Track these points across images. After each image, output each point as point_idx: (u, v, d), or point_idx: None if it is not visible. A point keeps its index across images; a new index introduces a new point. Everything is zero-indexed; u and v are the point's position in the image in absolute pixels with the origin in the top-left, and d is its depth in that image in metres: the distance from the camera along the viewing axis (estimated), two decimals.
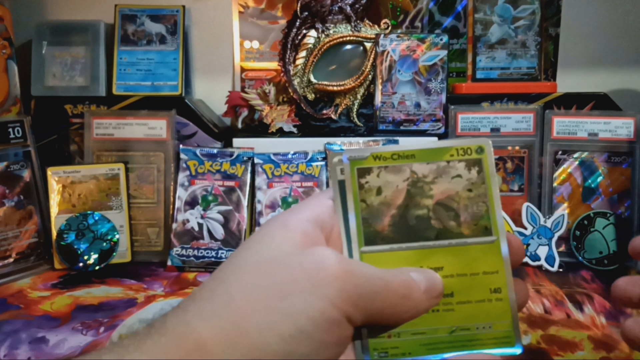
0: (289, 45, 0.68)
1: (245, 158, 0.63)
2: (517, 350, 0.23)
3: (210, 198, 0.62)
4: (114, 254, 0.61)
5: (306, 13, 0.67)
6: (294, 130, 0.68)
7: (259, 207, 0.62)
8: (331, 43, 0.68)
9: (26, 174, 0.62)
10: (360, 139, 0.65)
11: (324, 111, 0.69)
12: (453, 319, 0.22)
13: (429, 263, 0.23)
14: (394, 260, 0.23)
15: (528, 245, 0.60)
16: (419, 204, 0.23)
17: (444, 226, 0.23)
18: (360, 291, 0.19)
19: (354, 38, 0.68)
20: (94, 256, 0.60)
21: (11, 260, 0.59)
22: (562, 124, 0.63)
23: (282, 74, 0.68)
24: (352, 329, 0.20)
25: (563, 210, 0.62)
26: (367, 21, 0.69)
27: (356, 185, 0.23)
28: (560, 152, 0.63)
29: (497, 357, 0.22)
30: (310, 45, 0.68)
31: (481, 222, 0.23)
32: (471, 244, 0.23)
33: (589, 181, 0.63)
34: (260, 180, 0.63)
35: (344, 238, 0.23)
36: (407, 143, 0.23)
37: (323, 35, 0.68)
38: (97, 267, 0.60)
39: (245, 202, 0.62)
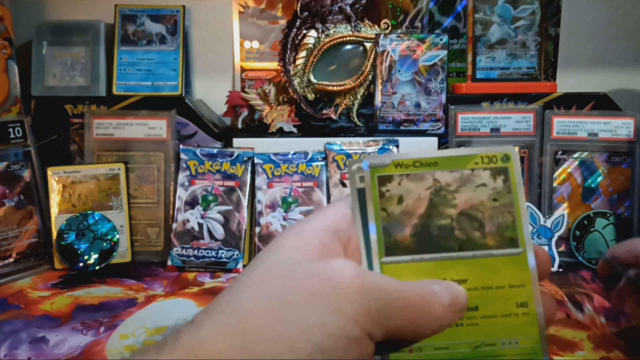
0: (289, 45, 0.68)
1: (245, 158, 0.63)
2: None
3: (210, 198, 0.62)
4: (114, 254, 0.61)
5: (306, 13, 0.67)
6: (294, 130, 0.68)
7: (259, 207, 0.62)
8: (331, 43, 0.68)
9: (26, 174, 0.62)
10: (360, 139, 0.65)
11: (324, 111, 0.69)
12: (477, 334, 0.22)
13: (452, 275, 0.22)
14: (415, 272, 0.22)
15: None
16: (442, 213, 0.22)
17: (468, 237, 0.22)
18: (380, 306, 0.19)
19: (354, 38, 0.68)
20: (94, 256, 0.60)
21: (11, 260, 0.59)
22: (562, 124, 0.63)
23: (282, 74, 0.68)
24: (373, 346, 0.19)
25: (563, 210, 0.62)
26: (367, 21, 0.69)
27: (376, 194, 0.22)
28: (560, 152, 0.63)
29: None
30: (310, 46, 0.68)
31: (507, 233, 0.22)
32: (496, 256, 0.22)
33: (589, 181, 0.63)
34: (260, 180, 0.63)
35: (363, 248, 0.22)
36: (417, 148, 0.23)
37: (323, 36, 0.68)
38: (97, 267, 0.60)
39: (245, 202, 0.62)
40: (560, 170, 0.63)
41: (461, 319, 0.21)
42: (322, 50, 0.68)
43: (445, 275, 0.22)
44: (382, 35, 0.66)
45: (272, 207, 0.62)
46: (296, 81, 0.69)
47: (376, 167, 0.22)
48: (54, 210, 0.61)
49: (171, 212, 0.63)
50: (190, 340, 0.18)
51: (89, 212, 0.61)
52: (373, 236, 0.22)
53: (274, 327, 0.17)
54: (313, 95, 0.69)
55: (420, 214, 0.22)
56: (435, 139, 0.66)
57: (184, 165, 0.63)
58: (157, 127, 0.65)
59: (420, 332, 0.20)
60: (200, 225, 0.61)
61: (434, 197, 0.22)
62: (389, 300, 0.19)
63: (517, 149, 0.23)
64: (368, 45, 0.68)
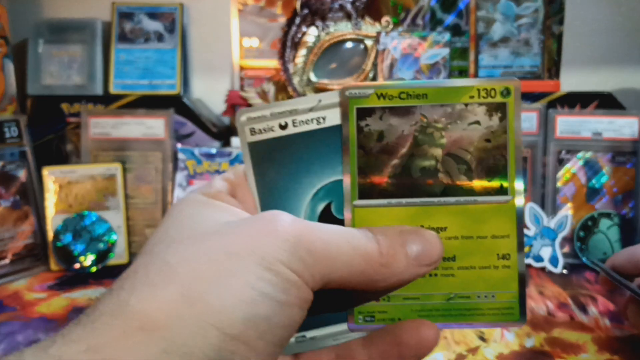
0: (288, 44, 0.67)
1: None
2: (520, 325, 0.20)
3: None
4: (111, 255, 0.60)
5: (306, 10, 0.67)
6: None
7: None
8: (331, 41, 0.67)
9: (22, 174, 0.61)
10: None
11: None
12: (452, 285, 0.20)
13: (430, 222, 0.20)
14: (391, 218, 0.20)
15: (531, 246, 0.59)
16: (426, 153, 0.20)
17: (453, 181, 0.20)
18: (316, 255, 0.17)
19: (355, 36, 0.67)
20: (91, 257, 0.59)
21: (7, 261, 0.58)
22: (566, 123, 0.62)
23: (281, 73, 0.68)
24: (310, 292, 0.18)
25: (567, 210, 0.62)
26: (367, 19, 0.68)
27: (354, 128, 0.20)
28: (563, 152, 0.63)
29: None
30: (310, 43, 0.67)
31: (496, 178, 0.20)
32: (482, 203, 0.20)
33: (593, 181, 0.62)
34: None
35: (258, 203, 0.21)
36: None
37: (323, 33, 0.67)
38: (94, 269, 0.59)
39: None
40: (563, 170, 0.63)
41: (432, 270, 0.20)
42: (322, 48, 0.67)
43: (423, 221, 0.20)
44: (383, 33, 0.65)
45: None
46: (296, 80, 0.68)
47: (356, 98, 0.20)
48: (50, 210, 0.61)
49: None
50: (112, 305, 0.16)
51: (86, 212, 0.61)
52: (346, 176, 0.20)
53: (210, 281, 0.16)
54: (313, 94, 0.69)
55: (402, 154, 0.20)
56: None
57: (182, 165, 0.62)
58: (154, 126, 0.64)
59: (376, 285, 0.19)
60: None
61: (419, 135, 0.20)
62: (329, 249, 0.18)
63: (520, 83, 0.20)
64: (369, 43, 0.67)
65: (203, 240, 0.18)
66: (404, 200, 0.20)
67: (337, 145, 0.20)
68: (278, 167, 0.21)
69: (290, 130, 0.21)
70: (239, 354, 0.16)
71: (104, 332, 0.15)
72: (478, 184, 0.20)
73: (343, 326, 0.21)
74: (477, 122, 0.20)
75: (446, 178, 0.20)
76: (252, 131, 0.20)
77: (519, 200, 0.20)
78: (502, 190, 0.20)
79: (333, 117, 0.20)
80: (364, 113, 0.20)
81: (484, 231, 0.20)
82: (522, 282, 0.20)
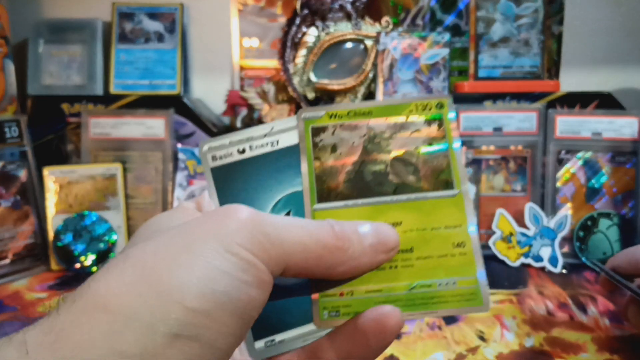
0: (288, 44, 0.67)
1: None
2: (484, 310, 0.21)
3: None
4: (112, 255, 0.60)
5: (306, 11, 0.67)
6: None
7: None
8: (331, 41, 0.67)
9: (22, 174, 0.61)
10: None
11: None
12: (412, 275, 0.21)
13: (386, 218, 0.22)
14: (349, 217, 0.22)
15: (531, 246, 0.59)
16: (375, 159, 0.22)
17: (403, 181, 0.22)
18: (272, 239, 0.18)
19: (355, 36, 0.67)
20: (92, 257, 0.59)
21: (7, 261, 0.58)
22: (566, 123, 0.62)
23: (281, 73, 0.68)
24: (271, 277, 0.19)
25: (566, 210, 0.62)
26: (367, 19, 0.68)
27: (310, 145, 0.23)
28: (563, 152, 0.63)
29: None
30: (310, 44, 0.67)
31: (442, 175, 0.22)
32: (432, 198, 0.22)
33: (593, 181, 0.62)
34: None
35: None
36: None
37: (323, 33, 0.67)
38: (94, 269, 0.59)
39: None
40: (563, 170, 0.63)
41: (392, 260, 0.21)
42: (322, 48, 0.67)
43: (379, 218, 0.22)
44: (383, 33, 0.65)
45: None
46: (296, 80, 0.68)
47: (310, 119, 0.23)
48: (51, 210, 0.61)
49: None
50: (78, 294, 0.17)
51: (86, 212, 0.61)
52: (306, 184, 0.22)
53: (171, 262, 0.17)
54: (313, 94, 0.69)
55: (354, 161, 0.22)
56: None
57: (182, 165, 0.62)
58: (155, 126, 0.64)
59: (335, 271, 0.20)
60: None
61: (367, 145, 0.23)
62: (285, 233, 0.19)
63: (451, 98, 0.23)
64: (369, 43, 0.67)
65: (165, 232, 0.19)
66: (359, 201, 0.22)
67: (291, 162, 0.23)
68: (239, 185, 0.23)
69: (248, 154, 0.23)
70: (201, 326, 0.16)
71: (67, 315, 0.16)
72: (426, 182, 0.22)
73: (311, 326, 0.22)
74: (418, 130, 0.23)
75: (396, 179, 0.22)
76: (214, 158, 0.23)
77: (465, 193, 0.22)
78: (448, 185, 0.22)
79: (286, 140, 0.23)
80: (318, 131, 0.23)
81: (436, 223, 0.22)
82: (481, 267, 0.21)
